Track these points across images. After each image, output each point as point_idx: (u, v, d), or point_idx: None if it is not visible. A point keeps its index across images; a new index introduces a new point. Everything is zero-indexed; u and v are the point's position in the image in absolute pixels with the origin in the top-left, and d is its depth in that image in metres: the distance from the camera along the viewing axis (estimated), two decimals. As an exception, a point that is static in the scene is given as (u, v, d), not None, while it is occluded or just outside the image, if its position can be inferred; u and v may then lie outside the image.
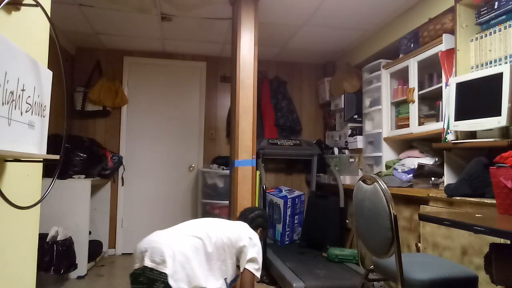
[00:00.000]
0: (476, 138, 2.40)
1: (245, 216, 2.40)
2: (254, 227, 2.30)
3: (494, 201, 1.76)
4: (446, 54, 2.69)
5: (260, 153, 3.97)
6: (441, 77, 2.77)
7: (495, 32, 2.35)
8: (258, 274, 2.07)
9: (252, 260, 2.07)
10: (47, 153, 1.10)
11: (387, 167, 3.38)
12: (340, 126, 4.42)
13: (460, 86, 2.44)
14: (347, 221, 3.82)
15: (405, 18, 3.27)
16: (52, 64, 1.21)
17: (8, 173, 0.96)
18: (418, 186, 2.83)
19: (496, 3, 2.33)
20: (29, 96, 0.98)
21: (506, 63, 2.25)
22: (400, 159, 3.31)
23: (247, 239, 2.09)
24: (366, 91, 3.87)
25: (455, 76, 2.55)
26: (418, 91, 3.06)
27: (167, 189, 4.58)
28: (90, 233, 3.69)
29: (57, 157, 1.10)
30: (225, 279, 2.04)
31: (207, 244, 1.96)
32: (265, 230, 2.45)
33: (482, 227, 1.29)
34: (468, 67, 2.53)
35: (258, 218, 2.39)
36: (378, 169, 3.52)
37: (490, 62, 2.37)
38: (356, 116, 4.12)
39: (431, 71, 3.02)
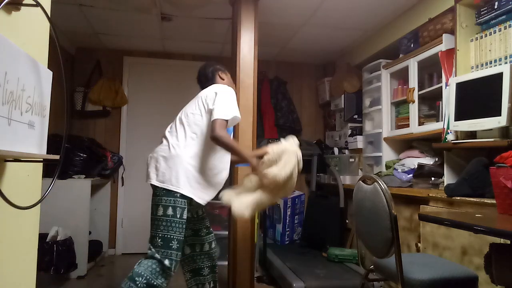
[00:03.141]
0: (476, 138, 2.40)
1: (202, 80, 2.51)
2: (213, 77, 2.43)
3: (494, 201, 1.76)
4: (446, 54, 2.69)
5: (260, 153, 3.96)
6: (441, 77, 2.77)
7: (495, 32, 2.35)
8: (221, 116, 2.13)
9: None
10: (47, 153, 1.10)
11: (387, 167, 3.38)
12: (340, 126, 4.41)
13: (460, 86, 2.44)
14: (347, 221, 3.82)
15: (405, 18, 3.27)
16: (52, 64, 1.21)
17: (8, 173, 0.96)
18: (418, 186, 2.83)
19: (496, 3, 2.33)
20: (29, 96, 0.98)
21: (506, 63, 2.25)
22: (400, 159, 3.31)
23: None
24: (366, 91, 3.87)
25: (455, 76, 2.55)
26: (418, 91, 3.06)
27: (167, 189, 4.57)
28: (90, 233, 3.69)
29: (57, 157, 1.10)
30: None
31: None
32: (220, 69, 2.48)
33: (482, 227, 1.29)
34: (468, 67, 2.53)
35: (207, 70, 2.46)
36: (378, 169, 3.52)
37: (490, 62, 2.37)
38: (356, 116, 4.12)
39: (431, 71, 3.02)
